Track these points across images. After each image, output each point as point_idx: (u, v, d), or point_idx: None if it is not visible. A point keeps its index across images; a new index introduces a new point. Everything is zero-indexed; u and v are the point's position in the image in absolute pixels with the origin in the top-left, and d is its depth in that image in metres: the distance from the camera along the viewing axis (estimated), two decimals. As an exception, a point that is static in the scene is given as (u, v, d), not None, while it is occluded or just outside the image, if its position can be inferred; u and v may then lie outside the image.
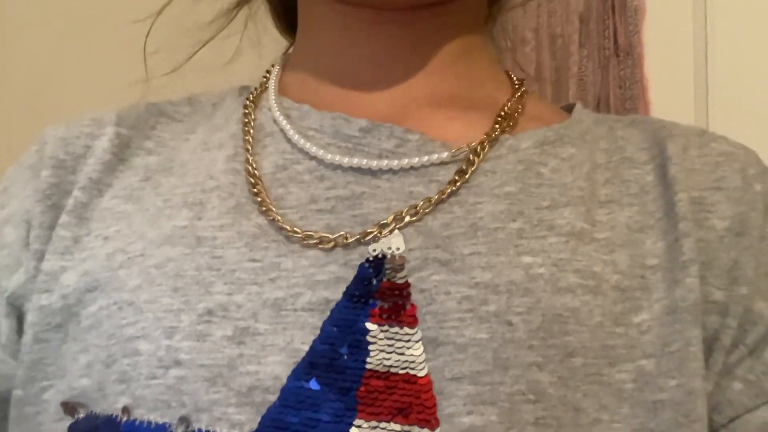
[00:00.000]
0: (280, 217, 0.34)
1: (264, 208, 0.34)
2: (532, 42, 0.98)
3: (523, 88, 0.41)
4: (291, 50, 0.45)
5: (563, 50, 0.96)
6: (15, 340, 0.35)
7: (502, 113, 0.38)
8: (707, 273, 0.34)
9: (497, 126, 0.37)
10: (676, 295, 0.33)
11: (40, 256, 0.35)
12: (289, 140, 0.37)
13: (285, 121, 0.37)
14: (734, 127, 0.90)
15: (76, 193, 0.37)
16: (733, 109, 0.92)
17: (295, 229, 0.33)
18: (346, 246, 0.33)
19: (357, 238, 0.33)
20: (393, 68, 0.39)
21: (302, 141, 0.36)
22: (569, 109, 0.42)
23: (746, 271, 0.35)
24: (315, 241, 0.33)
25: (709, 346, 0.34)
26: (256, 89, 0.41)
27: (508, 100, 0.39)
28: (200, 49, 0.49)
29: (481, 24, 0.42)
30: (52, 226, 0.36)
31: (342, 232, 0.33)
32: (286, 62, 0.43)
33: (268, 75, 0.42)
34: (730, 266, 0.35)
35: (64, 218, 0.36)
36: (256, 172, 0.36)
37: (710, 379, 0.34)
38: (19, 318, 0.36)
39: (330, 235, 0.33)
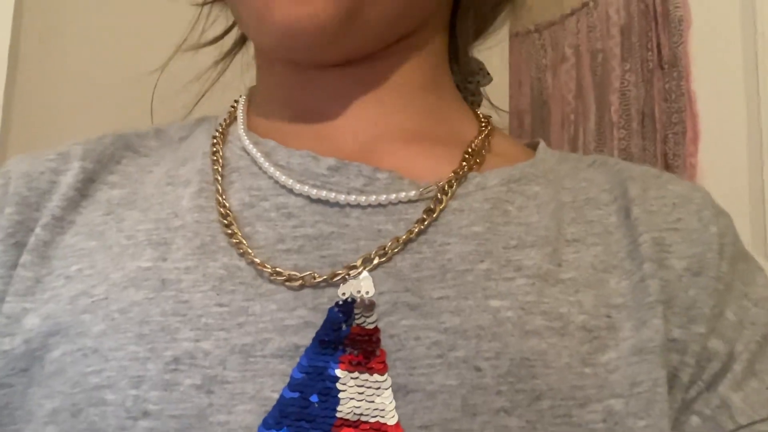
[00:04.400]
0: (251, 251, 0.34)
1: (236, 241, 0.34)
2: (572, 59, 0.95)
3: (489, 126, 0.41)
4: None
5: (604, 65, 0.93)
6: None
7: (470, 150, 0.38)
8: (668, 312, 0.34)
9: (464, 163, 0.37)
10: (643, 335, 0.33)
11: (2, 298, 0.35)
12: (254, 176, 0.37)
13: (256, 150, 0.37)
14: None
15: (37, 230, 0.36)
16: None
17: (266, 265, 0.33)
18: (314, 287, 0.33)
19: (325, 279, 0.33)
20: (351, 105, 0.39)
21: (272, 169, 0.36)
22: (534, 145, 0.42)
23: (703, 310, 0.35)
24: (283, 279, 0.33)
25: (670, 383, 0.34)
26: (225, 120, 0.41)
27: (476, 137, 0.40)
28: (201, 98, 0.50)
29: (440, 62, 0.42)
30: (14, 266, 0.36)
31: (310, 272, 0.33)
32: (252, 95, 0.43)
33: (235, 106, 0.42)
34: (689, 305, 0.35)
35: (25, 257, 0.35)
36: (226, 204, 0.36)
37: (670, 415, 0.34)
38: None
39: (298, 274, 0.33)
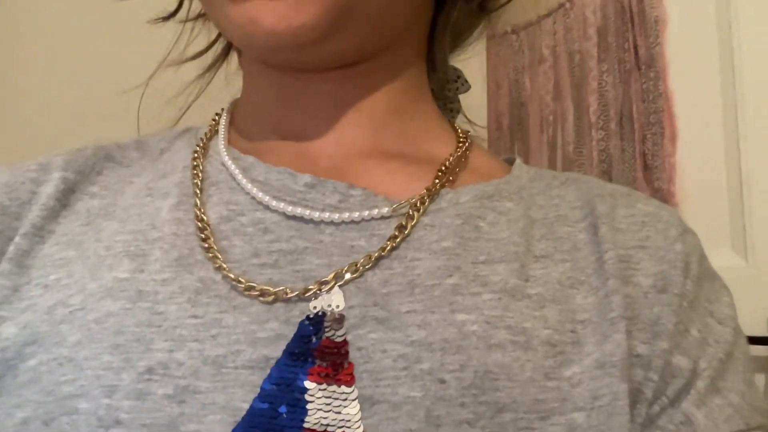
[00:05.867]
0: (226, 266, 0.34)
1: (211, 255, 0.35)
2: (549, 59, 0.96)
3: (467, 142, 0.42)
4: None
5: (582, 66, 0.94)
6: None
7: (443, 167, 0.39)
8: (632, 328, 0.35)
9: (437, 180, 0.37)
10: (606, 350, 0.34)
11: None
12: (232, 191, 0.37)
13: (234, 167, 0.38)
14: (766, 134, 0.87)
15: (17, 240, 0.36)
16: (764, 117, 0.88)
17: (240, 279, 0.34)
18: (286, 301, 0.33)
19: (297, 294, 0.33)
20: (328, 124, 0.40)
21: (249, 185, 0.37)
22: (512, 161, 0.42)
23: (667, 326, 0.35)
24: (256, 293, 0.33)
25: (634, 398, 0.34)
26: (205, 134, 0.41)
27: (451, 154, 0.40)
28: (187, 109, 0.50)
29: (418, 80, 0.42)
30: None
31: (283, 287, 0.33)
32: (234, 108, 0.44)
33: (216, 119, 0.43)
34: (653, 321, 0.35)
35: (3, 266, 0.36)
36: (204, 217, 0.36)
37: (634, 430, 0.34)
38: None
39: (271, 288, 0.33)
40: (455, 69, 0.49)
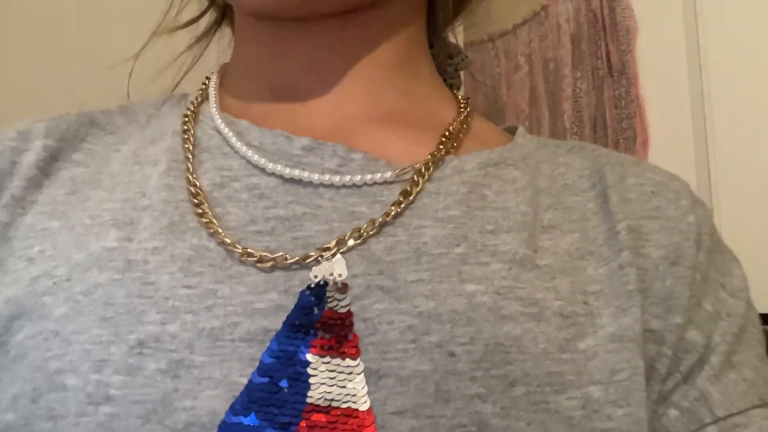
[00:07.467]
0: (221, 231, 0.33)
1: (206, 221, 0.33)
2: (525, 67, 0.97)
3: (468, 108, 0.40)
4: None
5: (556, 73, 0.95)
6: None
7: (447, 133, 0.37)
8: (645, 302, 0.34)
9: (441, 146, 0.36)
10: (623, 323, 0.33)
11: None
12: (225, 156, 0.36)
13: (228, 131, 0.36)
14: (734, 139, 0.88)
15: None
16: (731, 121, 0.90)
17: (236, 245, 0.32)
18: (286, 269, 0.32)
19: (297, 260, 0.32)
20: (327, 78, 0.38)
21: (244, 149, 0.35)
22: (512, 130, 0.41)
23: (681, 300, 0.34)
24: (254, 259, 0.32)
25: (647, 374, 0.33)
26: (196, 98, 0.40)
27: (454, 120, 0.39)
28: (181, 80, 0.48)
29: (418, 39, 0.41)
30: None
31: (282, 253, 0.32)
32: (224, 72, 0.42)
33: (206, 83, 0.41)
34: (666, 295, 0.34)
35: None
36: (197, 183, 0.34)
37: (648, 407, 0.33)
38: None
39: (269, 254, 0.32)
40: (455, 45, 0.48)
